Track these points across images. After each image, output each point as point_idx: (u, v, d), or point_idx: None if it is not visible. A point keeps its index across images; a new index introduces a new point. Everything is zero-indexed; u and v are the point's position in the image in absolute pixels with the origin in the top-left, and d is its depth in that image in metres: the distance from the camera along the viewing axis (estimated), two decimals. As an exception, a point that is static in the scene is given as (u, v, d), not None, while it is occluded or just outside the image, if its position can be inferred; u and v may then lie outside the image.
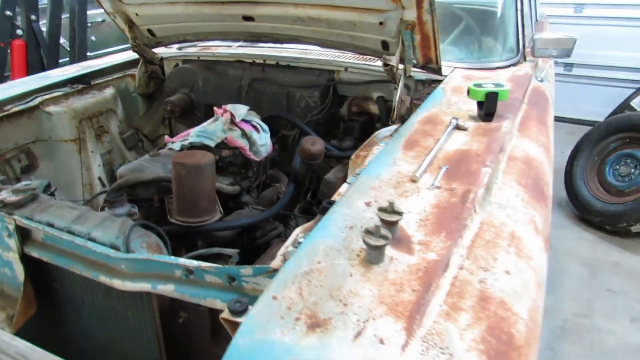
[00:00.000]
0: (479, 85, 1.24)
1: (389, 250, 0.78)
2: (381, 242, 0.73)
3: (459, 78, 1.60)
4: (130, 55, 2.00)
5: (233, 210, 1.45)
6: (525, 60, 1.89)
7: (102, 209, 1.20)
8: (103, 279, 0.88)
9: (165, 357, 0.96)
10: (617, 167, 3.02)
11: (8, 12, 2.85)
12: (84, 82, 1.78)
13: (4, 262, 1.00)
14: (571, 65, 4.53)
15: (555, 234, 2.93)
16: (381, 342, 0.63)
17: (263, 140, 1.43)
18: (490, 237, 0.84)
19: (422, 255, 0.77)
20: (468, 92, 1.26)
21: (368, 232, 0.74)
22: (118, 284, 0.86)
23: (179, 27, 1.79)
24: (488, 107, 1.22)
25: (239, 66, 1.88)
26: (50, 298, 1.05)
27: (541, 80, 1.78)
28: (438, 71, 1.53)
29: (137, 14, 1.78)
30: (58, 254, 0.94)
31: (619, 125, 3.01)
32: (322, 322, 0.66)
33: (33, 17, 2.94)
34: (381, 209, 0.80)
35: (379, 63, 1.56)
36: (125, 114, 1.95)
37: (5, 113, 1.54)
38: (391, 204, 0.79)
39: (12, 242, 0.96)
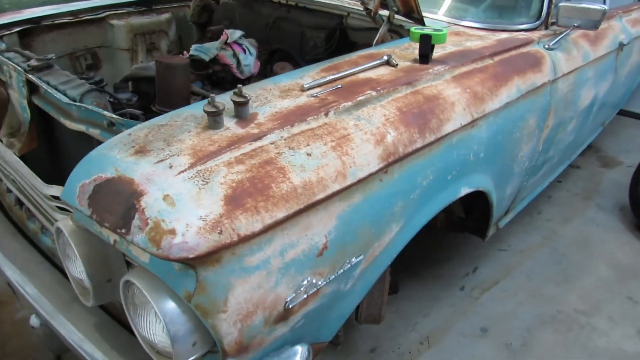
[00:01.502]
0: (419, 29, 1.37)
1: (231, 124, 1.02)
2: (213, 109, 0.98)
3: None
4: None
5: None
6: (546, 28, 1.88)
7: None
8: (62, 120, 1.25)
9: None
10: (698, 178, 2.72)
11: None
12: (147, 5, 2.22)
13: (23, 107, 1.44)
14: None
15: (599, 236, 2.78)
16: (170, 167, 0.89)
17: (247, 61, 1.71)
18: (321, 133, 1.03)
19: (249, 130, 1.00)
20: (409, 35, 1.39)
21: (208, 102, 0.99)
22: (67, 123, 1.23)
23: (225, -35, 2.12)
24: (422, 48, 1.35)
25: (271, 6, 2.16)
26: (49, 141, 1.48)
27: (549, 49, 1.78)
28: (421, 22, 1.64)
29: (196, -48, 2.15)
30: (46, 102, 1.34)
31: None
32: (145, 151, 0.94)
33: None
34: (234, 92, 1.03)
35: (381, 12, 1.72)
36: (181, 39, 2.36)
37: (79, 19, 2.03)
38: (240, 88, 1.02)
39: (24, 91, 1.38)
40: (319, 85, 1.20)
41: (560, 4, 1.82)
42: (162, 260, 0.81)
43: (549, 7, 1.87)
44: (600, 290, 2.39)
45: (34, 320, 1.28)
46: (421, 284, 2.43)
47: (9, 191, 1.56)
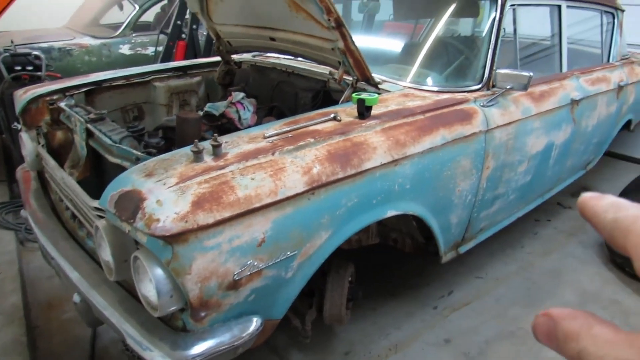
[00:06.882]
0: (359, 94, 1.91)
1: (208, 160, 1.59)
2: (196, 149, 1.55)
3: (396, 94, 2.23)
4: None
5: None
6: (488, 89, 2.37)
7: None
8: (107, 155, 1.88)
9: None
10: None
11: (178, 22, 4.35)
12: (183, 70, 2.91)
13: (82, 146, 2.10)
14: None
15: (573, 267, 3.11)
16: (164, 184, 1.46)
17: (245, 116, 2.32)
18: (265, 166, 1.57)
19: (218, 163, 1.56)
20: (351, 99, 1.94)
21: (194, 146, 1.57)
22: (110, 158, 1.86)
23: (242, 41, 2.78)
24: (359, 108, 1.89)
25: (276, 72, 2.79)
26: (97, 171, 2.12)
27: (484, 106, 2.27)
28: (376, 86, 2.20)
29: (221, 30, 2.84)
30: (97, 143, 1.99)
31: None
32: (151, 174, 1.52)
33: (194, 26, 4.38)
34: (212, 139, 1.61)
35: (348, 78, 2.29)
36: (209, 96, 3.03)
37: (130, 82, 2.74)
38: (215, 136, 1.60)
39: (84, 135, 2.04)
40: (277, 135, 1.76)
41: (497, 70, 2.33)
42: (154, 240, 1.37)
43: (489, 73, 2.38)
44: (560, 315, 2.72)
45: (76, 297, 1.87)
46: (399, 303, 2.86)
47: (67, 208, 2.21)
